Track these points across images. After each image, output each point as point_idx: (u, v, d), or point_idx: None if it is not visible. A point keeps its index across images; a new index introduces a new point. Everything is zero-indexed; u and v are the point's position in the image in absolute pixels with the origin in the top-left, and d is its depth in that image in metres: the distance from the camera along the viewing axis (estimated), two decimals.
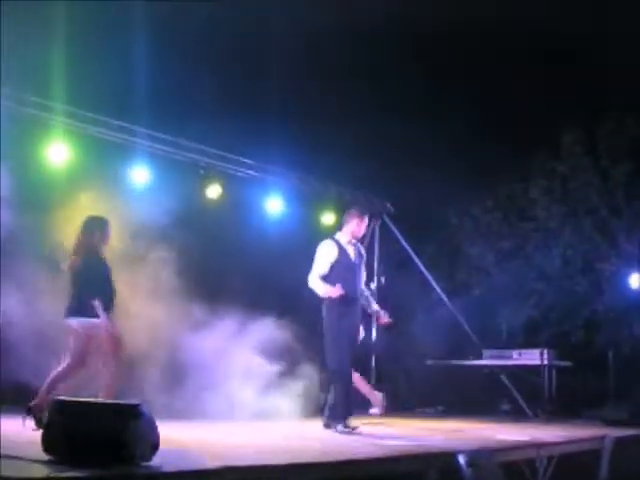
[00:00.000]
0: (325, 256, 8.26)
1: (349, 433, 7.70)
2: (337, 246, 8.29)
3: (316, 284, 8.19)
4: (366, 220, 8.57)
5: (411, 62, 13.30)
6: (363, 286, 8.59)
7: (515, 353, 12.13)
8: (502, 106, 13.96)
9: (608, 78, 13.68)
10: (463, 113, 14.14)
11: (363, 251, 8.64)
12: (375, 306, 8.73)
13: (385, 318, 8.75)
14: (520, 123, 14.13)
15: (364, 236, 12.96)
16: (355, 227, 8.39)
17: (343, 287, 8.05)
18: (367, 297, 8.65)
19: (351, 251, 8.36)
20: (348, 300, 8.13)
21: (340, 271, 8.20)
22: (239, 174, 12.06)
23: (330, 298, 8.09)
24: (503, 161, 14.99)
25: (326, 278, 8.17)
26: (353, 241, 8.43)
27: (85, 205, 10.16)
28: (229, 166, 11.88)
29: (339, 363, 8.03)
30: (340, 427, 7.85)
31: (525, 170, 15.91)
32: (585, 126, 15.37)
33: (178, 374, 9.48)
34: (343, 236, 8.40)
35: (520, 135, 14.38)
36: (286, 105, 11.91)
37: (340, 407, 7.98)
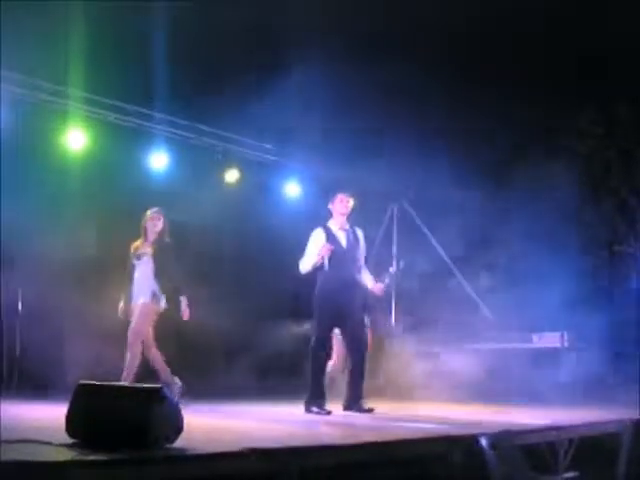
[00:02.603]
0: (313, 244, 8.36)
1: (325, 415, 7.82)
2: (326, 234, 8.34)
3: (305, 263, 8.34)
4: (348, 196, 8.56)
5: (432, 48, 13.21)
6: (362, 263, 8.65)
7: (535, 336, 12.10)
8: (520, 87, 13.86)
9: (628, 57, 13.54)
10: (480, 96, 14.04)
11: (359, 233, 8.65)
12: (369, 283, 8.76)
13: (379, 290, 8.82)
14: (539, 104, 14.03)
15: (383, 221, 13.04)
16: (339, 206, 8.46)
17: (333, 273, 8.21)
18: (363, 272, 8.70)
19: (342, 237, 8.40)
20: (337, 285, 8.23)
21: (329, 258, 8.24)
22: (257, 159, 12.07)
23: (321, 282, 8.25)
24: (521, 143, 14.91)
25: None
26: (346, 227, 8.47)
27: (103, 191, 10.25)
28: (247, 151, 11.91)
29: (316, 344, 8.16)
30: (315, 409, 7.99)
31: (544, 151, 15.80)
32: (606, 106, 15.26)
33: None
34: (334, 223, 8.45)
35: (539, 115, 14.28)
36: (304, 90, 11.86)
37: (314, 388, 8.11)
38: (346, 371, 8.63)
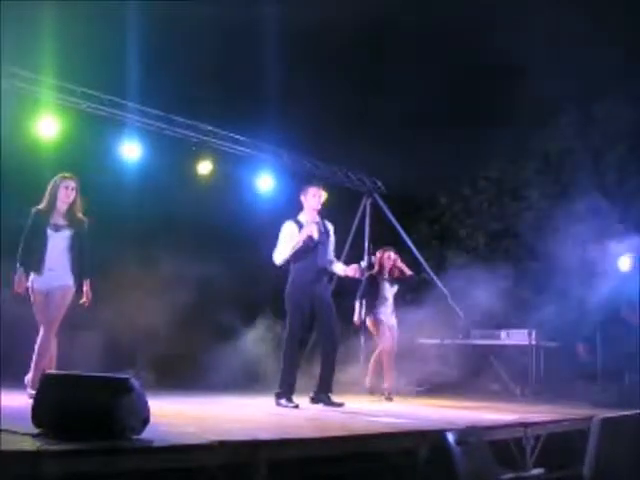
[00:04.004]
0: (287, 237, 8.36)
1: (293, 408, 7.81)
2: (298, 227, 8.35)
3: (280, 253, 8.31)
4: (321, 190, 8.60)
5: (402, 42, 13.24)
6: (332, 257, 8.67)
7: (503, 333, 12.18)
8: (495, 86, 13.93)
9: (603, 59, 13.65)
10: (457, 92, 14.09)
11: (330, 227, 8.66)
12: (341, 269, 8.78)
13: (355, 270, 8.87)
14: (514, 103, 14.11)
15: (355, 214, 13.06)
16: (312, 200, 8.48)
17: (305, 265, 8.27)
18: (334, 264, 8.71)
19: (314, 230, 8.39)
20: (310, 277, 8.28)
21: (301, 251, 8.26)
22: (230, 151, 12.02)
23: (294, 274, 8.29)
24: (496, 142, 14.98)
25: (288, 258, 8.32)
26: (317, 219, 8.46)
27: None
28: (220, 142, 11.85)
29: (290, 337, 8.18)
30: (284, 401, 7.99)
31: (518, 151, 15.93)
32: (580, 108, 15.39)
33: None
34: (305, 216, 8.46)
35: (514, 115, 14.36)
36: (278, 83, 11.85)
37: (285, 381, 8.11)
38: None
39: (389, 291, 10.49)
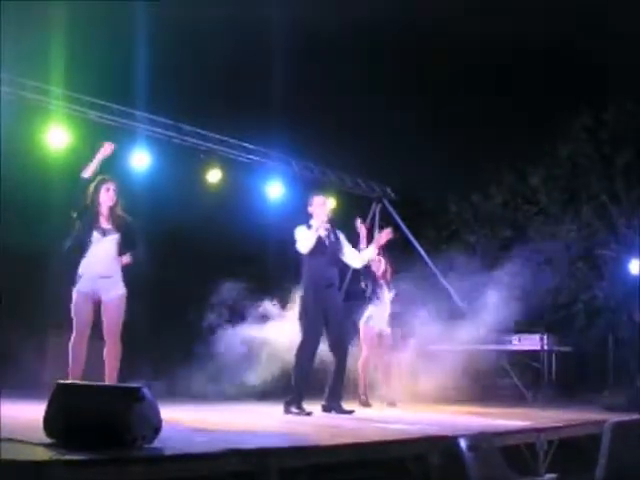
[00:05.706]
0: (304, 231, 8.36)
1: (304, 415, 7.80)
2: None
3: (303, 241, 8.26)
4: (327, 201, 8.69)
5: (414, 46, 13.24)
6: (356, 256, 8.71)
7: (515, 338, 12.14)
8: (506, 92, 13.93)
9: (612, 64, 13.65)
10: (466, 99, 14.09)
11: (340, 234, 8.64)
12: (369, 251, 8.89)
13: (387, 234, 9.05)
14: (525, 109, 14.11)
15: (366, 220, 13.09)
16: (319, 210, 8.48)
17: (317, 272, 8.25)
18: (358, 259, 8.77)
19: (324, 236, 8.40)
20: (323, 285, 8.27)
21: (313, 257, 8.26)
22: (240, 159, 12.05)
23: (307, 281, 8.26)
24: (506, 148, 14.98)
25: (301, 262, 8.35)
26: (327, 226, 8.48)
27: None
28: (230, 151, 11.87)
29: (303, 344, 8.14)
30: (294, 409, 7.96)
31: (529, 156, 15.93)
32: (589, 113, 15.40)
33: None
34: (315, 223, 8.45)
35: (524, 121, 14.36)
36: (287, 91, 11.87)
37: (296, 388, 8.08)
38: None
39: (386, 296, 10.38)
